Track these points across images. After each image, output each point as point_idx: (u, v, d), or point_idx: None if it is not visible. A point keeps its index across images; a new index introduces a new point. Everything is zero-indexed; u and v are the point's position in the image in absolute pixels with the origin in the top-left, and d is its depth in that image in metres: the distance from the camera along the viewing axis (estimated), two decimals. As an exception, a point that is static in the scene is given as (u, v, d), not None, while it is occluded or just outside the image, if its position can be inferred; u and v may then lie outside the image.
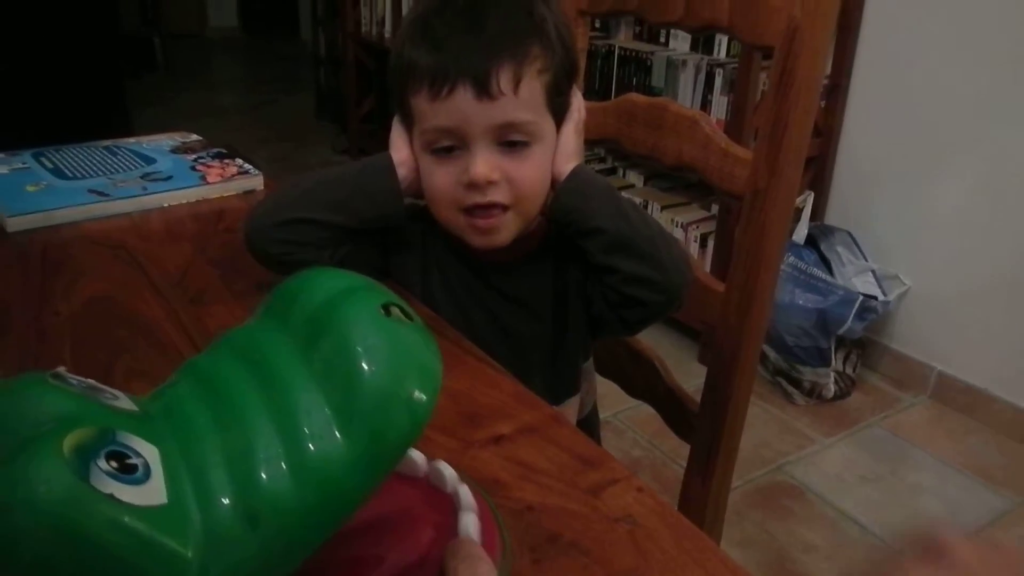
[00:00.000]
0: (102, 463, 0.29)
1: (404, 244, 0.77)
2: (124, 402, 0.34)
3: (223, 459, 0.31)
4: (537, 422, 0.60)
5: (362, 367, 0.32)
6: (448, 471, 0.43)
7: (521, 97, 0.67)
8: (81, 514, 0.28)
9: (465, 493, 0.42)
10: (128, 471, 0.29)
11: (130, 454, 0.30)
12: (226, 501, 0.31)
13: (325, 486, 0.31)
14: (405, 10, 3.25)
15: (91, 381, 0.34)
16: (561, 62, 0.70)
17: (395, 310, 0.34)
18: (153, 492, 0.30)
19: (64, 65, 3.04)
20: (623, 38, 2.38)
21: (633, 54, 2.23)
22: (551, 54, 0.69)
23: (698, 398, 0.88)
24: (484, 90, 0.66)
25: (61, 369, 0.34)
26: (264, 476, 0.31)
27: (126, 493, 0.29)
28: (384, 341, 0.33)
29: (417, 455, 0.43)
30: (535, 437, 0.58)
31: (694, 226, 2.18)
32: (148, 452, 0.31)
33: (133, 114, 3.40)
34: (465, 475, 0.44)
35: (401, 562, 0.40)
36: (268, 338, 0.35)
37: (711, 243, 2.12)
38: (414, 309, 0.36)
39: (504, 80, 0.66)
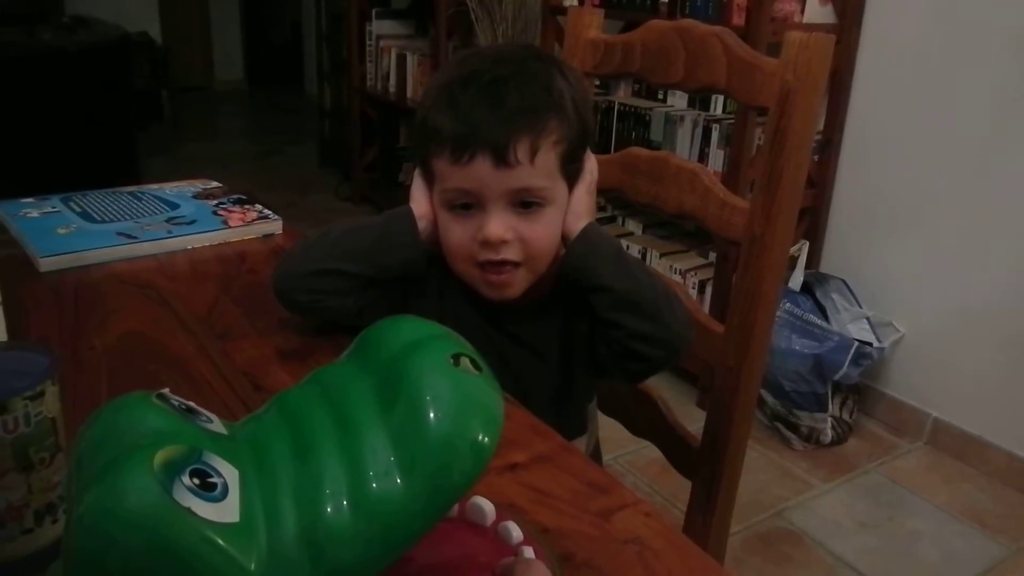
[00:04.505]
0: (185, 479, 0.32)
1: (423, 290, 0.81)
2: (216, 425, 0.37)
3: (293, 489, 0.34)
4: (550, 451, 0.63)
5: (428, 414, 0.35)
6: (514, 528, 0.45)
7: (537, 165, 0.71)
8: (162, 524, 0.30)
9: (516, 530, 0.44)
10: (208, 488, 0.32)
11: (212, 473, 0.33)
12: (291, 528, 0.33)
13: (381, 523, 0.33)
14: (409, 66, 3.34)
15: (191, 403, 0.37)
16: (576, 132, 0.74)
17: (464, 360, 0.37)
18: (227, 510, 0.32)
19: (79, 118, 3.11)
20: (622, 94, 2.46)
21: (632, 110, 2.30)
22: (567, 126, 0.72)
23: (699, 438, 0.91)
24: (502, 159, 0.69)
25: (166, 391, 0.37)
26: (328, 509, 0.33)
27: (203, 508, 0.31)
28: (450, 390, 0.35)
29: (487, 506, 0.44)
30: (548, 465, 0.61)
31: (692, 273, 2.22)
32: (229, 473, 0.33)
33: (141, 164, 3.46)
34: (530, 529, 0.46)
35: None
36: (349, 380, 0.38)
37: (709, 289, 2.16)
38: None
39: (521, 151, 0.70)
